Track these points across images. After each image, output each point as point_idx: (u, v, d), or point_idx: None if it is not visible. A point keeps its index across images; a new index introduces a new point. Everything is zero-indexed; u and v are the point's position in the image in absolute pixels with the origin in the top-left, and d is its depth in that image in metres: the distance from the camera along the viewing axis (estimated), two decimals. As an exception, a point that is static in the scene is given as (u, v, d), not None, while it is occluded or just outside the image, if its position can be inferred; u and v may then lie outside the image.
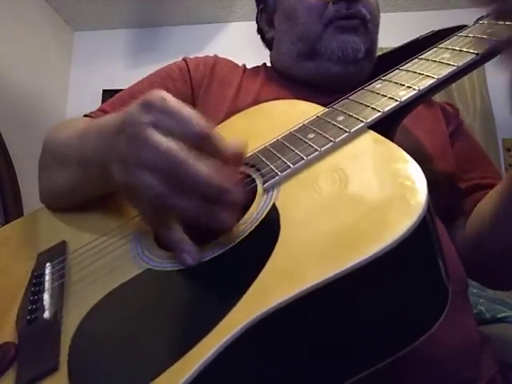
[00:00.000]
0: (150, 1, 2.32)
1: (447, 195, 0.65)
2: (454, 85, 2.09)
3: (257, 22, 0.83)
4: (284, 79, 0.72)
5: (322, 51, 0.66)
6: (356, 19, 0.66)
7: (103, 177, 0.41)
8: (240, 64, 0.78)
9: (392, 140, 0.46)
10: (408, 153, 0.52)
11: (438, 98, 1.12)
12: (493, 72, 2.13)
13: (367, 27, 0.67)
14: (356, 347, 0.30)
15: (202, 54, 0.77)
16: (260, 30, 0.82)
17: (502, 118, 2.11)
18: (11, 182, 1.84)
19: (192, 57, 0.74)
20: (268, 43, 0.81)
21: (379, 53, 0.76)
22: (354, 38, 0.66)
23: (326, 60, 0.66)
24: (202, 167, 0.34)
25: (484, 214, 0.58)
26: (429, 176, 0.61)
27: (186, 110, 0.37)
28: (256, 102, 0.62)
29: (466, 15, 0.56)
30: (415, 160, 0.57)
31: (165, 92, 0.38)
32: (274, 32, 0.77)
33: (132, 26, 2.52)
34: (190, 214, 0.35)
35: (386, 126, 0.42)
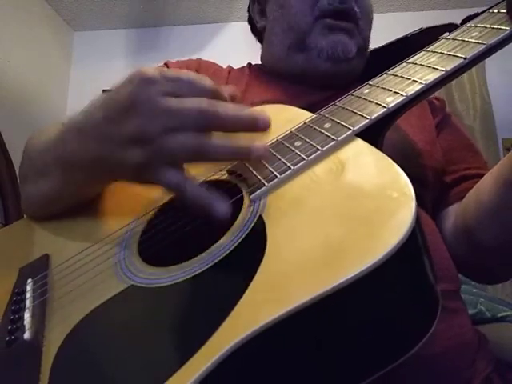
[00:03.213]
0: (150, 1, 2.31)
1: (437, 190, 0.64)
2: (454, 85, 2.08)
3: (248, 12, 0.82)
4: (271, 76, 0.71)
5: (311, 46, 0.65)
6: (350, 22, 0.65)
7: (96, 175, 0.41)
8: (241, 65, 0.77)
9: (381, 146, 0.45)
10: (397, 148, 0.51)
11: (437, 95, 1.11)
12: (493, 72, 2.12)
13: (358, 25, 0.66)
14: (347, 363, 0.29)
15: (202, 54, 0.76)
16: (251, 21, 0.81)
17: (502, 118, 2.10)
18: (11, 183, 1.84)
19: (174, 60, 0.72)
20: (259, 35, 0.80)
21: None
22: (346, 38, 0.65)
23: (316, 56, 0.65)
24: (228, 105, 0.39)
25: (477, 208, 0.56)
26: (418, 172, 0.61)
27: (185, 74, 0.40)
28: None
29: (465, 15, 0.55)
30: (404, 156, 0.56)
31: (149, 67, 0.40)
32: (265, 22, 0.76)
33: (132, 25, 2.52)
34: (226, 154, 0.39)
35: (374, 133, 0.42)
